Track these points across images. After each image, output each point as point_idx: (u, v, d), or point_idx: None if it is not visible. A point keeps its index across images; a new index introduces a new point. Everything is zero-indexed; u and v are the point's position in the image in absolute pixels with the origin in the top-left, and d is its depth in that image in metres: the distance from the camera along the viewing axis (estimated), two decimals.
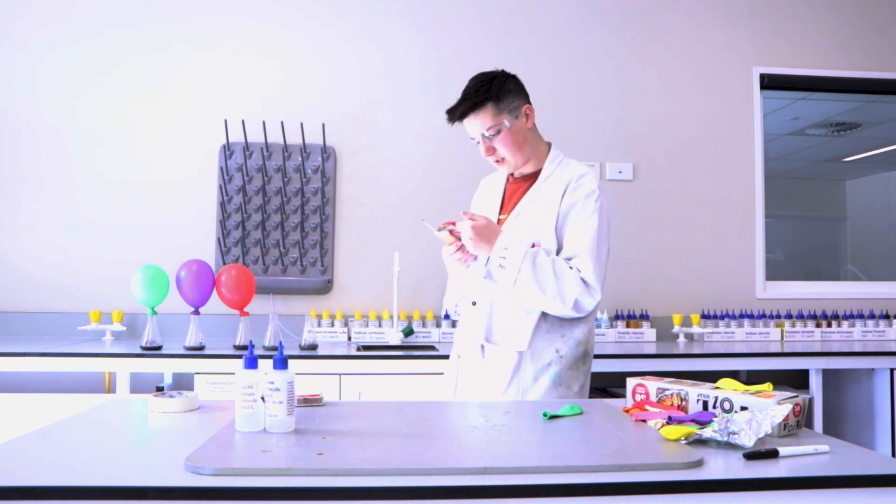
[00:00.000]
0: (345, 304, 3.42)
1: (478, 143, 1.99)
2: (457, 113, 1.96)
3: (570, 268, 1.85)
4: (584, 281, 1.84)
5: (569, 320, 1.91)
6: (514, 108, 1.95)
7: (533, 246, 1.87)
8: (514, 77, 2.02)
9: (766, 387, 1.47)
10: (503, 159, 1.98)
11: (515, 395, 1.90)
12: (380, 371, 2.74)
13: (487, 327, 1.96)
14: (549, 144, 2.07)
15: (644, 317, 3.50)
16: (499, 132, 1.94)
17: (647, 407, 1.51)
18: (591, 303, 1.85)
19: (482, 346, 1.96)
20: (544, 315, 1.90)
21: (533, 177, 2.02)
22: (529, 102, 2.01)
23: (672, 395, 1.51)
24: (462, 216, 1.93)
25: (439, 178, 3.49)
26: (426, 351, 2.97)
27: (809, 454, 1.21)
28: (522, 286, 1.84)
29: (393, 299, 3.26)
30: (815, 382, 2.98)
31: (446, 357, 2.72)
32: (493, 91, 1.93)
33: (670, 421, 1.34)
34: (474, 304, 2.00)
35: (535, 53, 3.60)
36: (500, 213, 2.04)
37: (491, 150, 1.97)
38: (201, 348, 2.79)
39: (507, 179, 2.10)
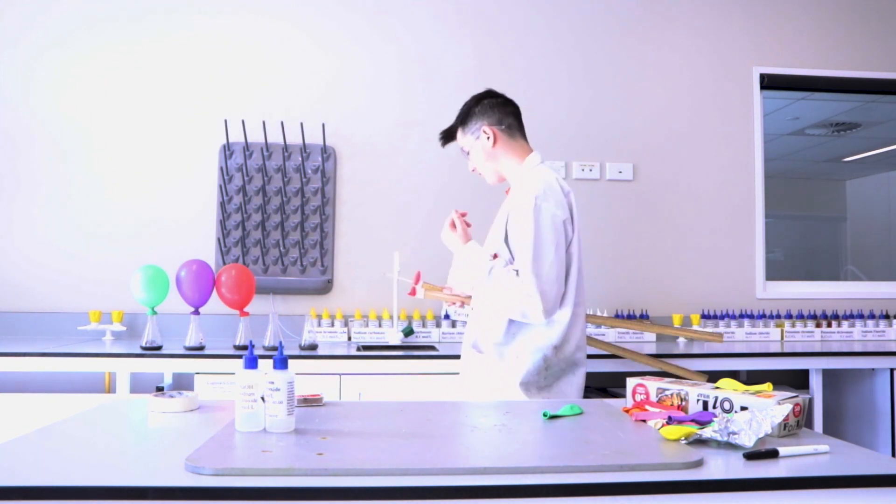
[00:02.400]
0: (345, 304, 3.42)
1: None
2: (441, 139, 2.27)
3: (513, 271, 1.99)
4: (527, 293, 1.94)
5: (531, 328, 2.00)
6: (475, 129, 2.15)
7: (495, 257, 2.03)
8: (486, 99, 2.18)
9: (766, 387, 1.47)
10: (481, 174, 2.22)
11: (490, 397, 2.02)
12: (380, 371, 2.73)
13: (474, 335, 2.13)
14: (526, 157, 2.15)
15: (644, 317, 3.50)
16: (469, 153, 2.19)
17: (647, 407, 1.51)
18: (536, 311, 1.93)
19: (467, 353, 2.15)
20: (511, 322, 2.01)
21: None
22: (494, 122, 2.14)
23: (672, 395, 1.51)
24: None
25: (439, 178, 3.49)
26: (426, 351, 2.97)
27: (809, 454, 1.21)
28: (481, 294, 2.04)
29: (393, 299, 3.26)
30: (815, 382, 2.98)
31: (446, 357, 2.75)
32: (460, 117, 2.20)
33: (670, 421, 1.34)
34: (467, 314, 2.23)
35: (536, 55, 3.60)
36: None
37: (471, 167, 2.23)
38: (201, 348, 2.79)
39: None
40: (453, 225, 2.14)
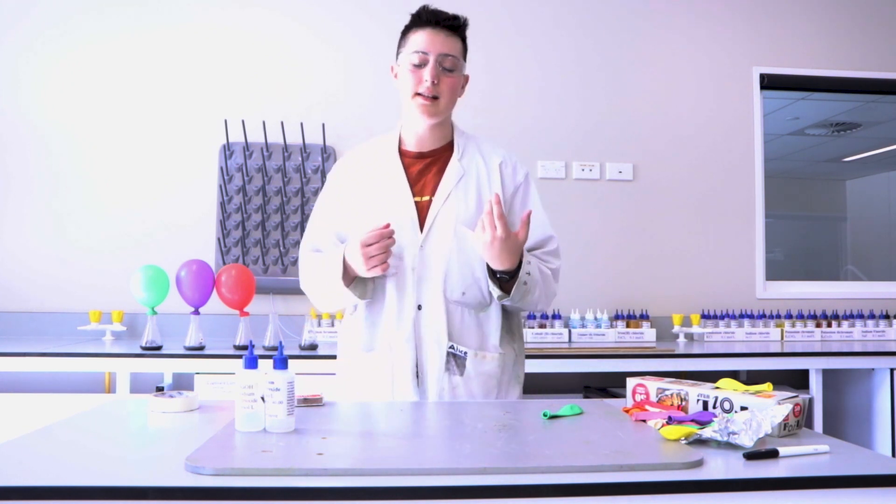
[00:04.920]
0: None
1: (419, 64, 1.76)
2: (441, 18, 1.80)
3: (550, 266, 1.79)
4: (556, 272, 1.80)
5: (515, 317, 1.87)
6: (465, 63, 1.85)
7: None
8: None
9: (766, 387, 1.47)
10: (436, 98, 1.76)
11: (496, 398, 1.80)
12: None
13: (447, 332, 1.74)
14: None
15: (644, 317, 3.49)
16: (453, 70, 1.79)
17: (647, 407, 1.51)
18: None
19: (451, 355, 1.74)
20: (504, 315, 1.80)
21: (440, 153, 1.82)
22: None
23: (672, 395, 1.51)
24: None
25: None
26: None
27: (809, 454, 1.21)
28: (529, 295, 1.73)
29: None
30: (815, 382, 2.98)
31: None
32: (465, 34, 1.86)
33: (670, 421, 1.34)
34: (420, 308, 1.74)
35: (536, 53, 3.60)
36: (415, 196, 1.78)
37: (436, 79, 1.75)
38: (201, 348, 2.79)
39: (401, 157, 1.82)
40: (504, 226, 1.59)
